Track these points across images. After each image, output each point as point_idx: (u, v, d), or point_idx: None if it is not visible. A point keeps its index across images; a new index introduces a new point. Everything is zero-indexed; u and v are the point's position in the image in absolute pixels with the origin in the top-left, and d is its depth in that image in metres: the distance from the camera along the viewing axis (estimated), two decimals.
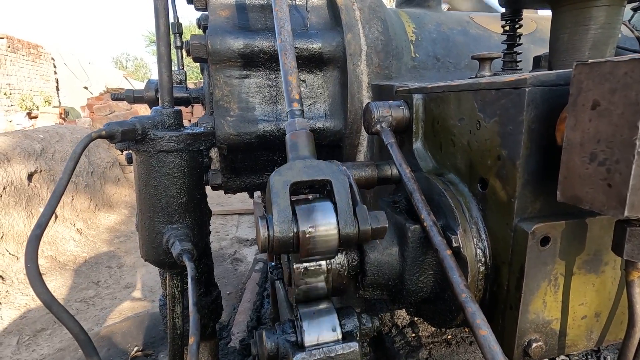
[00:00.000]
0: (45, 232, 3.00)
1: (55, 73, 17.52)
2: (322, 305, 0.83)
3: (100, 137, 0.89)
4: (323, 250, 0.73)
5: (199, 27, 1.62)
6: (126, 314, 3.27)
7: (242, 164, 1.60)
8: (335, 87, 1.50)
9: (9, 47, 14.07)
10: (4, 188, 3.80)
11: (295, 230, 0.71)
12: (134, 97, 1.64)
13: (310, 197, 0.81)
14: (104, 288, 3.77)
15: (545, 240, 0.70)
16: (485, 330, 0.66)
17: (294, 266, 0.80)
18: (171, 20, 1.85)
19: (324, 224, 0.72)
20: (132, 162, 1.25)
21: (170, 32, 1.82)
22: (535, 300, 0.73)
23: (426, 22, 1.70)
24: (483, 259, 0.80)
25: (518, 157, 0.70)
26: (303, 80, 1.49)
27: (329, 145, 1.56)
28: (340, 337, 0.77)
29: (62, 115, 12.97)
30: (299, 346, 0.76)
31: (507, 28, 1.23)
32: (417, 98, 1.03)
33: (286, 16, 1.04)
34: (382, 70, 1.46)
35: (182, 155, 1.08)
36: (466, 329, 1.40)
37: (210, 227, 1.43)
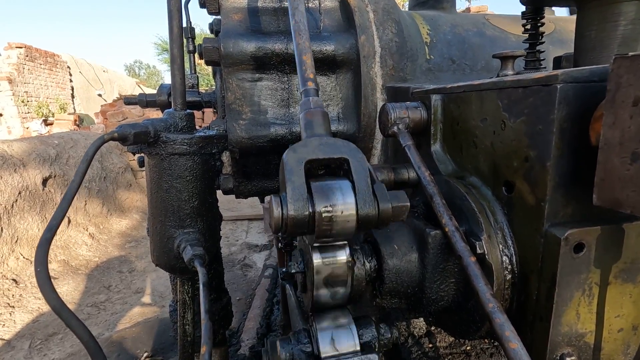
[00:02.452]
0: (59, 236, 3.04)
1: (71, 81, 17.94)
2: (339, 314, 0.79)
3: (113, 139, 0.87)
4: (340, 232, 0.68)
5: (212, 32, 1.62)
6: (136, 319, 3.26)
7: (254, 168, 1.58)
8: (349, 89, 1.48)
9: (27, 56, 14.46)
10: (19, 193, 3.86)
11: (310, 209, 0.66)
12: (146, 102, 1.64)
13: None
14: (114, 293, 3.79)
15: (579, 247, 0.66)
16: (515, 344, 0.61)
17: (312, 272, 0.77)
18: (184, 24, 1.86)
19: (342, 203, 0.67)
20: (144, 166, 1.24)
21: (183, 36, 1.83)
22: (568, 311, 0.68)
23: (440, 23, 1.67)
24: (510, 267, 0.76)
25: (549, 159, 0.66)
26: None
27: None
28: (358, 348, 0.73)
29: (77, 122, 13.23)
30: (315, 357, 0.73)
31: (528, 27, 1.19)
32: (435, 99, 1.00)
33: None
34: (397, 73, 1.43)
35: (194, 158, 1.06)
36: (486, 340, 1.35)
37: (220, 233, 1.41)
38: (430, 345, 1.28)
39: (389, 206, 0.68)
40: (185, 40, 1.81)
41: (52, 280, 2.55)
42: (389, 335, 0.79)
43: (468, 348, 1.27)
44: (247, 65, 1.38)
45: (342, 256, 0.79)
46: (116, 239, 4.97)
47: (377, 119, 1.13)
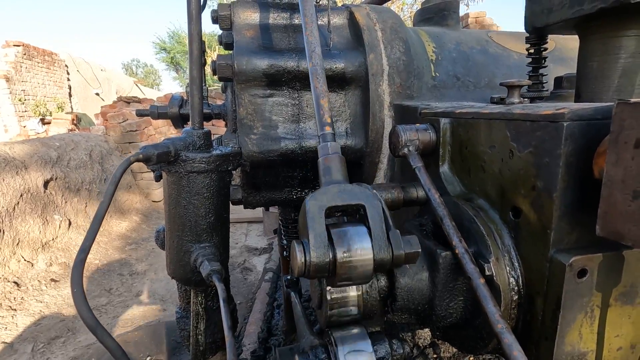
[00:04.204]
0: (59, 239, 3.06)
1: (69, 80, 17.86)
2: (355, 330, 0.83)
3: (138, 160, 0.91)
4: (358, 276, 0.74)
5: (220, 43, 1.66)
6: (138, 323, 3.29)
7: (263, 180, 1.62)
8: (357, 106, 1.52)
9: (24, 54, 14.40)
10: (21, 195, 3.87)
11: (331, 255, 0.72)
12: (158, 114, 1.67)
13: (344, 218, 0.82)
14: (116, 296, 3.81)
15: (582, 273, 0.70)
16: None
17: (327, 290, 0.81)
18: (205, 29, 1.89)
19: (360, 249, 0.72)
20: (159, 180, 1.27)
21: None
22: (572, 332, 0.73)
23: (446, 41, 1.72)
24: (516, 288, 0.80)
25: (555, 190, 0.70)
26: None
27: (349, 163, 1.58)
28: None
29: (75, 122, 13.18)
30: None
31: (532, 51, 1.24)
32: (444, 122, 1.05)
33: (317, 40, 1.06)
34: (404, 90, 1.48)
35: (211, 176, 1.10)
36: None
37: None
38: (435, 356, 1.33)
39: (402, 253, 0.74)
40: None
41: (54, 282, 2.60)
42: (402, 351, 0.84)
43: (471, 358, 1.32)
44: (259, 81, 1.42)
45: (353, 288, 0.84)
46: (116, 242, 4.98)
47: (388, 140, 1.17)
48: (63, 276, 3.94)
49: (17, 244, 3.76)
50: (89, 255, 2.89)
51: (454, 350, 1.34)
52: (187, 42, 1.06)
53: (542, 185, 0.73)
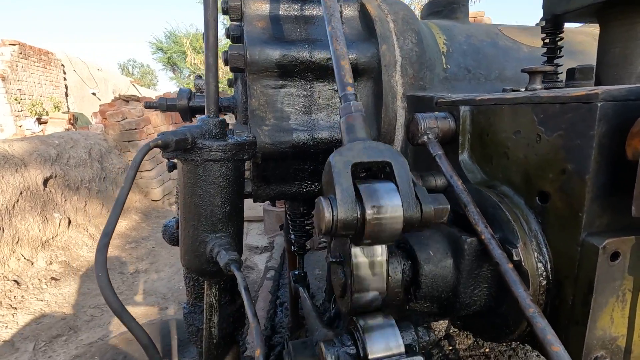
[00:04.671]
0: (59, 237, 3.03)
1: (65, 79, 17.75)
2: (381, 318, 0.82)
3: (157, 146, 0.90)
4: (387, 233, 0.71)
5: (228, 36, 1.64)
6: (140, 321, 3.25)
7: (273, 172, 1.61)
8: (369, 97, 1.51)
9: (20, 53, 14.29)
10: (21, 193, 3.83)
11: (359, 211, 0.70)
12: (167, 106, 1.65)
13: None
14: (117, 294, 3.77)
15: (615, 256, 0.70)
16: (557, 347, 0.65)
17: (355, 275, 0.80)
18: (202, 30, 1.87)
19: (390, 205, 0.70)
20: (172, 170, 1.25)
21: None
22: (603, 316, 0.72)
23: (456, 33, 1.72)
24: (544, 273, 0.80)
25: (587, 172, 0.69)
26: (336, 90, 1.49)
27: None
28: (403, 350, 0.76)
29: (72, 121, 13.10)
30: (363, 359, 0.75)
31: (547, 41, 1.24)
32: (464, 110, 1.04)
33: (336, 5, 1.05)
34: (417, 82, 1.47)
35: (227, 165, 1.08)
36: (504, 343, 1.38)
37: None
38: (450, 347, 1.32)
39: (431, 208, 0.72)
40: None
41: (54, 281, 2.57)
42: (427, 338, 0.83)
43: (487, 350, 1.31)
44: (271, 72, 1.41)
45: (380, 255, 0.82)
46: (116, 240, 4.94)
47: (405, 129, 1.17)
48: (63, 275, 3.90)
49: (17, 242, 3.71)
50: (90, 254, 2.88)
51: (469, 342, 1.33)
52: (202, 28, 1.04)
53: (572, 168, 0.73)
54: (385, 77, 1.44)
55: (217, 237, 1.10)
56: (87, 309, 3.41)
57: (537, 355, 1.33)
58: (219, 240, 1.09)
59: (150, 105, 1.66)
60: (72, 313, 3.31)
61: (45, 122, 13.11)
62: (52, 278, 3.70)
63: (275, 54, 1.38)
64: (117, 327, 3.21)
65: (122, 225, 5.42)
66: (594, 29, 1.94)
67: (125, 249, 4.81)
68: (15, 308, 3.26)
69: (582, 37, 1.93)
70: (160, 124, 7.04)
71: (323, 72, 1.45)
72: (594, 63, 1.15)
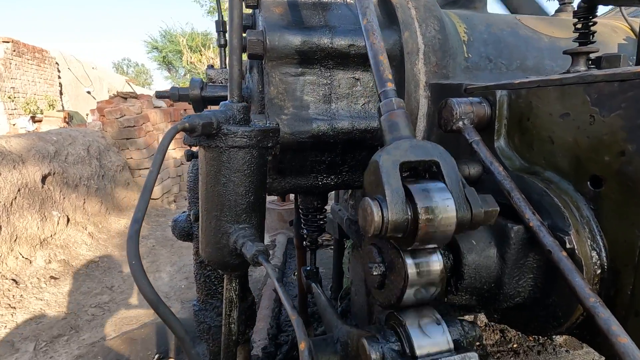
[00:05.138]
0: (58, 235, 2.95)
1: (59, 77, 17.56)
2: (426, 311, 0.77)
3: (184, 129, 0.85)
4: (440, 236, 0.68)
5: None
6: (143, 320, 3.19)
7: (290, 164, 1.56)
8: None
9: (14, 51, 14.10)
10: (19, 190, 3.74)
11: (410, 212, 0.66)
12: (178, 95, 1.59)
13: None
14: (118, 293, 3.70)
15: None
16: (625, 338, 0.61)
17: (409, 264, 0.75)
18: (216, 18, 1.82)
19: (443, 206, 0.66)
20: (190, 159, 1.20)
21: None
22: None
23: (476, 23, 1.68)
24: (599, 262, 0.75)
25: None
26: (358, 79, 1.45)
27: (378, 147, 1.53)
28: (452, 346, 0.71)
29: (66, 120, 12.94)
30: (410, 356, 0.71)
31: (579, 26, 1.20)
32: (500, 94, 0.99)
33: None
34: (439, 70, 1.43)
35: (252, 152, 1.03)
36: (531, 338, 1.35)
37: None
38: (478, 344, 1.28)
39: (481, 210, 0.69)
40: (217, 35, 1.78)
41: (53, 280, 2.50)
42: (474, 333, 0.78)
43: (515, 346, 1.27)
44: (291, 59, 1.36)
45: (436, 259, 0.78)
46: (116, 239, 4.85)
47: (438, 115, 1.12)
48: (62, 274, 3.82)
49: (15, 240, 3.62)
50: (89, 252, 2.81)
51: (497, 337, 1.29)
52: (227, 9, 0.99)
53: (634, 148, 0.68)
54: (407, 65, 1.39)
55: (241, 229, 1.05)
56: (88, 308, 3.34)
57: (566, 351, 1.29)
58: (242, 232, 1.03)
59: (162, 94, 1.61)
60: (73, 312, 3.23)
61: (40, 121, 12.93)
62: (52, 277, 3.62)
63: (295, 40, 1.33)
64: (118, 326, 3.14)
65: (122, 223, 5.34)
66: (613, 21, 1.91)
67: (125, 248, 4.72)
68: (14, 307, 3.18)
69: (601, 28, 1.90)
70: (159, 121, 6.96)
71: (344, 59, 1.40)
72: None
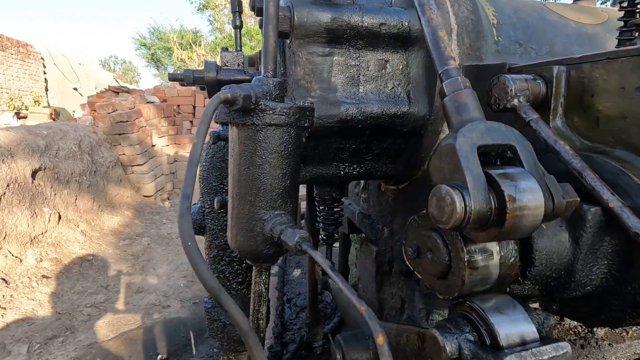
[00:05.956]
0: (49, 233, 2.80)
1: (45, 73, 17.09)
2: (502, 299, 0.70)
3: (227, 99, 0.76)
4: (527, 227, 0.61)
5: (252, 9, 1.50)
6: (143, 320, 3.06)
7: (312, 152, 1.47)
8: (420, 69, 1.40)
9: None
10: (8, 185, 3.56)
11: (494, 201, 0.59)
12: (193, 78, 1.49)
13: None
14: (114, 293, 3.56)
15: None
16: None
17: (468, 249, 0.68)
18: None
19: (531, 194, 0.60)
20: (217, 141, 1.11)
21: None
22: None
23: (503, 6, 1.62)
24: None
25: None
26: (387, 61, 1.37)
27: (407, 134, 1.45)
28: (537, 336, 0.64)
29: (53, 116, 12.56)
30: (493, 347, 0.63)
31: (624, 4, 1.15)
32: (558, 70, 0.93)
33: None
34: (473, 52, 1.37)
35: (289, 131, 0.95)
36: (571, 332, 1.29)
37: None
38: None
39: (563, 200, 0.63)
40: (232, 15, 1.68)
41: (45, 279, 2.35)
42: (551, 322, 0.71)
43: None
44: (319, 37, 1.27)
45: (510, 246, 0.72)
46: (109, 237, 4.69)
47: (487, 93, 1.05)
48: (55, 272, 3.65)
49: (4, 237, 3.45)
50: (82, 251, 2.67)
51: None
52: None
53: None
54: None
55: (277, 215, 0.96)
56: (83, 308, 3.19)
57: (609, 344, 1.23)
58: (279, 218, 0.95)
59: (175, 77, 1.50)
60: (68, 313, 3.08)
61: (25, 117, 12.53)
62: (43, 276, 3.45)
63: (324, 17, 1.25)
64: (116, 327, 3.01)
65: (115, 221, 5.17)
66: None
67: (120, 246, 4.57)
68: (5, 308, 3.01)
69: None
70: (152, 116, 6.77)
71: (374, 39, 1.33)
72: None
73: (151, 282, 3.80)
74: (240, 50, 1.66)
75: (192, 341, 2.78)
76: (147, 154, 6.50)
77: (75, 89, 18.88)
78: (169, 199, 6.83)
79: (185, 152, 7.76)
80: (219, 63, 1.62)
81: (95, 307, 3.25)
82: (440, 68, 0.79)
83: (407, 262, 0.86)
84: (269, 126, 0.91)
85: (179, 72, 1.48)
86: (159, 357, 2.52)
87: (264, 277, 1.10)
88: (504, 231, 0.60)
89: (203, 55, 19.83)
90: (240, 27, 1.68)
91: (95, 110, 5.97)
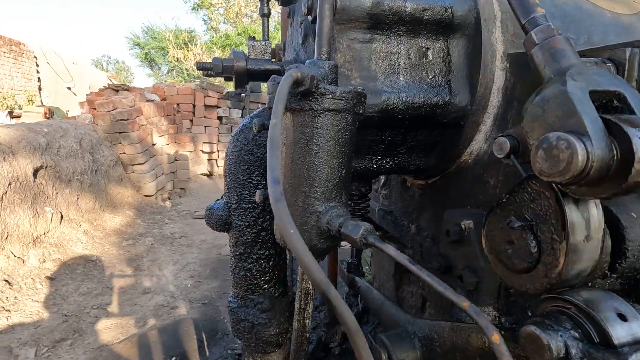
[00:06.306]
0: (51, 233, 2.71)
1: (38, 72, 16.84)
2: (600, 292, 0.65)
3: (297, 79, 0.70)
4: None
5: None
6: (152, 322, 2.98)
7: None
8: (461, 57, 1.35)
9: None
10: (9, 184, 3.45)
11: (616, 149, 0.54)
12: (222, 67, 1.43)
13: None
14: (120, 294, 3.46)
15: None
16: None
17: (571, 237, 0.63)
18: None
19: None
20: (261, 131, 1.05)
21: None
22: None
23: None
24: None
25: None
26: (428, 49, 1.32)
27: (446, 124, 1.40)
28: None
29: (47, 115, 12.36)
30: (604, 345, 0.58)
31: None
32: (631, 52, 0.88)
33: None
34: (517, 40, 1.31)
35: (347, 118, 0.89)
36: None
37: None
38: None
39: None
40: (260, 3, 1.62)
41: (49, 280, 2.27)
42: None
43: None
44: (361, 22, 1.22)
45: (595, 214, 0.66)
46: (112, 237, 4.58)
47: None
48: (58, 274, 3.55)
49: (6, 238, 3.34)
50: (85, 251, 2.58)
51: None
52: None
53: None
54: (485, 33, 1.27)
55: (332, 207, 0.90)
56: (90, 310, 3.10)
57: None
58: (336, 210, 0.89)
59: (203, 66, 1.44)
60: (74, 315, 2.99)
61: (19, 116, 12.31)
62: (47, 277, 3.35)
63: (367, 1, 1.19)
64: (125, 329, 2.92)
65: (117, 221, 5.06)
66: None
67: (123, 246, 4.47)
68: (9, 310, 2.91)
69: None
70: (152, 115, 6.66)
71: (416, 25, 1.27)
72: None
73: (157, 282, 3.71)
74: (268, 40, 1.59)
75: (205, 343, 2.71)
76: (148, 153, 6.40)
77: (69, 88, 18.62)
78: (169, 199, 6.72)
79: (185, 151, 7.65)
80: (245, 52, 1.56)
81: (102, 308, 3.16)
82: (525, 17, 0.75)
83: (492, 259, 0.80)
84: (328, 111, 0.85)
85: (206, 62, 1.41)
86: (173, 359, 2.45)
87: None
88: (627, 185, 0.54)
89: (199, 54, 19.67)
90: (268, 15, 1.62)
91: (94, 109, 5.86)
